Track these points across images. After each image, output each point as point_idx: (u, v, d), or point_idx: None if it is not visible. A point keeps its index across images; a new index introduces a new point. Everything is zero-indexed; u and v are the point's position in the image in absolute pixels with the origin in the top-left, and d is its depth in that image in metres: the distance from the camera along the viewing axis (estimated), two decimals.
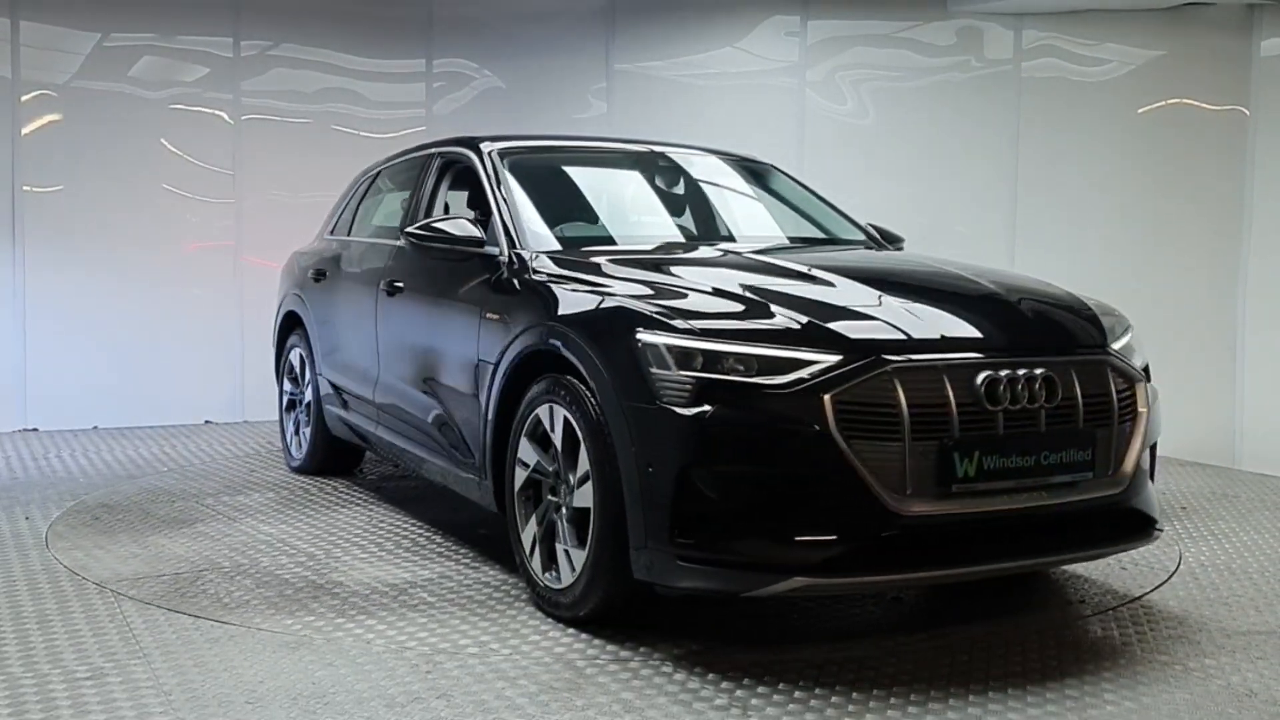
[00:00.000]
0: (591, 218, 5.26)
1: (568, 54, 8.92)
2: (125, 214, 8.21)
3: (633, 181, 5.58)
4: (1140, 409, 3.93)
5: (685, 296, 3.93)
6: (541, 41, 8.95)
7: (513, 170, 5.10)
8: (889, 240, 5.43)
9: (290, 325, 6.87)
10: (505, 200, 4.87)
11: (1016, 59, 7.89)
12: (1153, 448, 4.16)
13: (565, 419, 3.93)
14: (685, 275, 4.24)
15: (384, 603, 4.29)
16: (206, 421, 8.42)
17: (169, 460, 7.00)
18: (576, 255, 4.53)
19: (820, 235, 5.38)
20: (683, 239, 5.17)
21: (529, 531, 4.18)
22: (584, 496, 3.85)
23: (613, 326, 3.83)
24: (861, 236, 5.38)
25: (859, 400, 3.48)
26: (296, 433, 6.79)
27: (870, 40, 8.25)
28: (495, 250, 4.67)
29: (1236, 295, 7.28)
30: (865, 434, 3.47)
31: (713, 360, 3.57)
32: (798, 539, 3.47)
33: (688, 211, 5.44)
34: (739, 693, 3.45)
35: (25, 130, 7.96)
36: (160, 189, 8.31)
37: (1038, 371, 3.69)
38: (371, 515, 5.69)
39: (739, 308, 3.81)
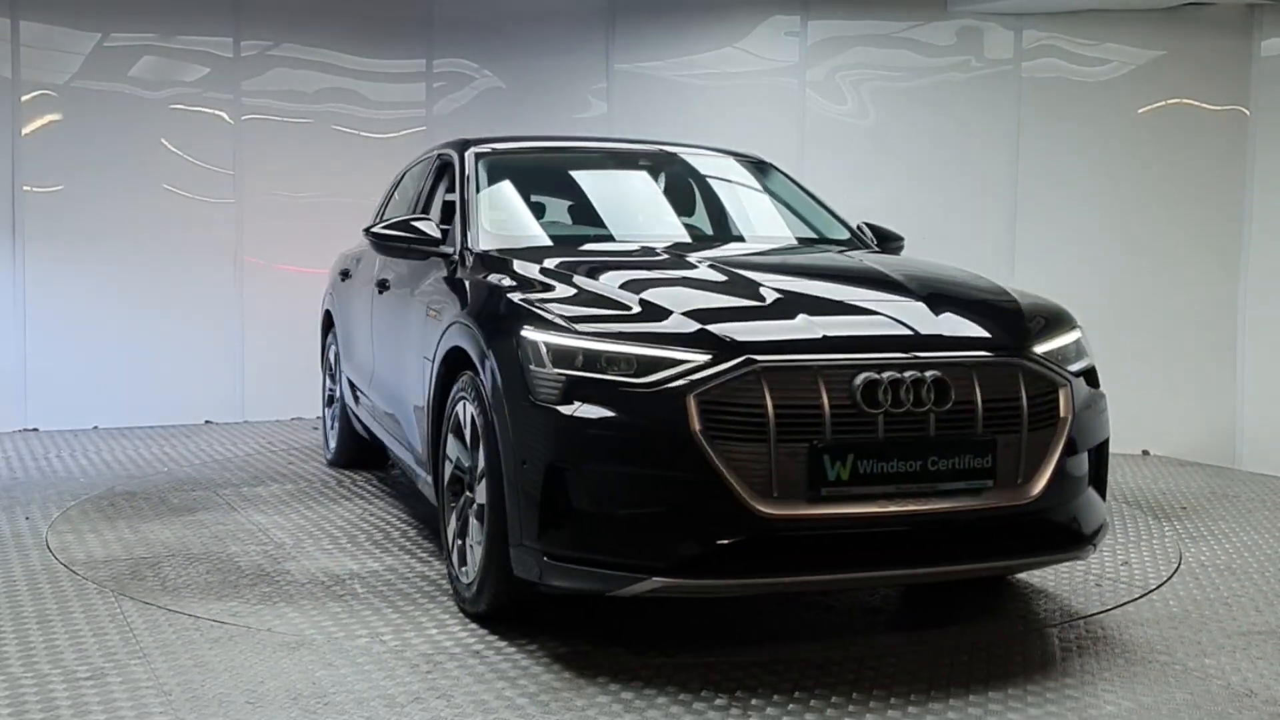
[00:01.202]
0: (557, 217, 5.30)
1: (568, 54, 8.92)
2: (125, 214, 8.20)
3: (611, 181, 5.60)
4: (1063, 414, 3.72)
5: (581, 295, 3.92)
6: (541, 41, 8.95)
7: (490, 171, 5.19)
8: (886, 239, 5.32)
9: (329, 323, 7.07)
10: (466, 200, 4.97)
11: (1016, 59, 7.89)
12: (1100, 455, 3.99)
13: (471, 415, 3.98)
14: (601, 274, 4.17)
15: (312, 591, 4.40)
16: (207, 421, 8.42)
17: (192, 457, 7.01)
18: (503, 254, 4.53)
19: (790, 234, 5.33)
20: (639, 238, 5.03)
21: (451, 527, 4.22)
22: (484, 493, 3.88)
23: (502, 324, 3.86)
24: (844, 235, 5.29)
25: (724, 401, 3.42)
26: (331, 427, 6.97)
27: (870, 40, 8.25)
28: (450, 249, 4.75)
29: (1237, 295, 7.28)
30: (731, 435, 3.40)
31: (585, 359, 3.57)
32: (657, 540, 3.46)
33: (660, 210, 5.43)
34: (739, 693, 3.45)
35: (25, 130, 7.96)
36: (160, 189, 8.31)
37: (928, 374, 3.53)
38: (366, 508, 5.75)
39: (630, 308, 3.77)
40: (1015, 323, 3.91)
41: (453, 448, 4.20)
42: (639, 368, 3.51)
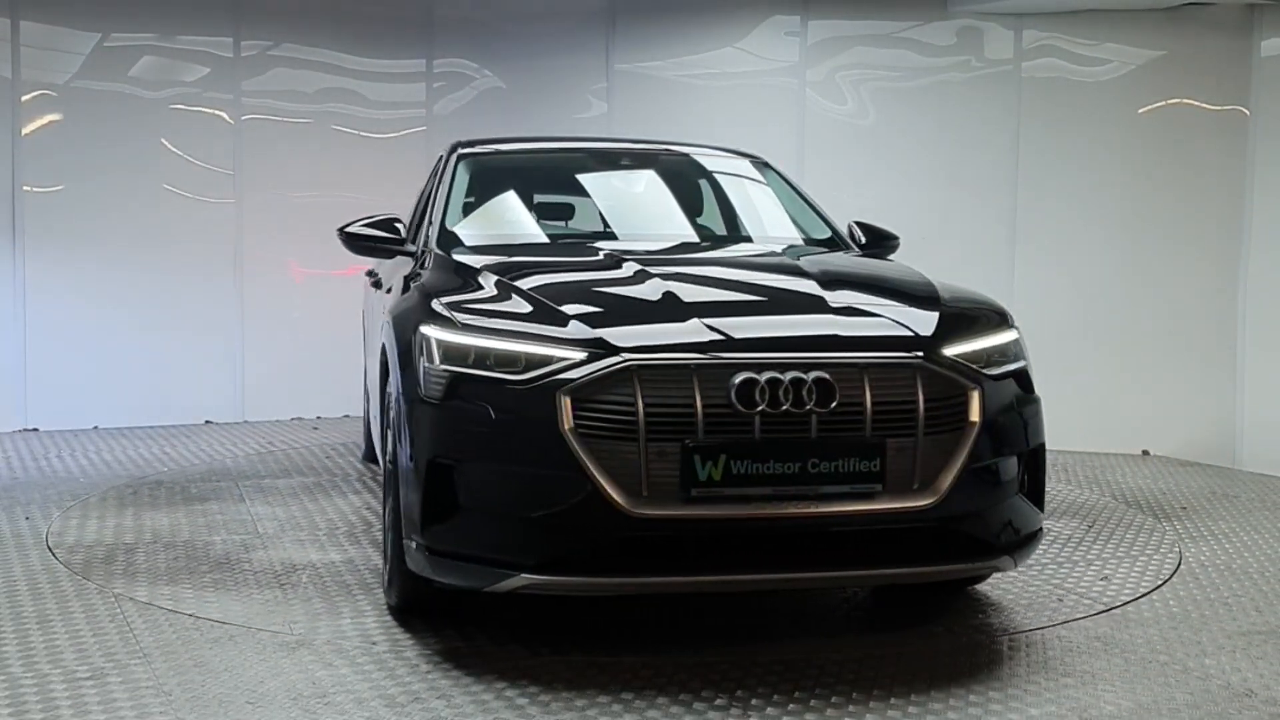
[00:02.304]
0: (529, 216, 5.31)
1: (568, 54, 8.92)
2: (125, 214, 8.21)
3: (590, 181, 5.61)
4: (972, 418, 3.60)
5: (492, 295, 3.93)
6: (541, 41, 8.95)
7: (469, 171, 5.28)
8: (882, 238, 5.24)
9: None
10: (435, 199, 5.07)
11: (1016, 59, 7.89)
12: (1033, 462, 3.89)
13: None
14: (527, 276, 4.14)
15: (258, 580, 4.53)
16: (207, 421, 8.42)
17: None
18: (457, 253, 4.57)
19: (761, 234, 5.30)
20: (599, 237, 5.06)
21: (386, 521, 4.25)
22: None
23: (410, 321, 3.90)
24: (827, 234, 5.23)
25: (596, 399, 3.42)
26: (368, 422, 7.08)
27: (870, 40, 8.25)
28: (414, 248, 4.84)
29: (1237, 295, 7.28)
30: (602, 434, 3.40)
31: (471, 356, 3.60)
32: (527, 537, 3.48)
33: (633, 210, 5.44)
34: (739, 692, 3.45)
35: (25, 130, 7.96)
36: (160, 189, 8.31)
37: (811, 375, 3.45)
38: (367, 502, 5.83)
39: (527, 309, 3.77)
40: (926, 324, 3.78)
41: (389, 443, 4.24)
42: (518, 366, 3.53)
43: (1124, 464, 7.29)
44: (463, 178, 5.24)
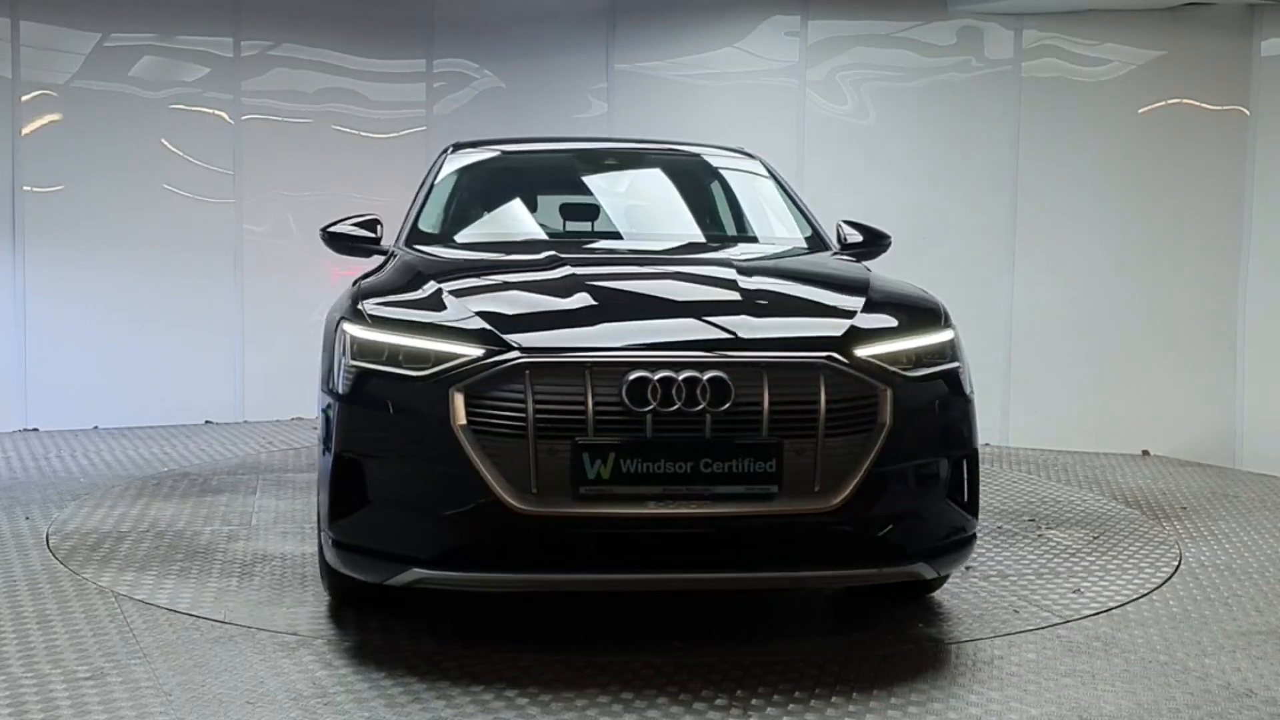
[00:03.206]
0: (506, 214, 5.37)
1: (568, 54, 8.92)
2: (125, 214, 8.20)
3: (573, 181, 5.64)
4: (882, 420, 3.54)
5: (416, 291, 3.95)
6: (541, 41, 8.95)
7: (455, 170, 5.38)
8: (871, 238, 5.17)
9: None
10: (416, 198, 5.19)
11: (1016, 59, 7.89)
12: (962, 466, 3.81)
13: None
14: (458, 274, 4.21)
15: (222, 569, 4.67)
16: (207, 421, 8.42)
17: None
18: (421, 251, 4.63)
19: (732, 234, 5.29)
20: (564, 238, 5.11)
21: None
22: None
23: (334, 318, 3.97)
24: (808, 232, 5.18)
25: (489, 396, 3.45)
26: None
27: (870, 40, 8.25)
28: (386, 247, 4.90)
29: (1237, 295, 7.28)
30: (493, 430, 3.43)
31: (375, 352, 3.66)
32: (420, 532, 3.53)
33: (611, 210, 5.44)
34: (740, 692, 3.45)
35: (25, 130, 7.96)
36: (160, 189, 8.31)
37: (707, 375, 3.42)
38: None
39: (443, 307, 3.79)
40: (839, 325, 3.72)
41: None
42: (417, 362, 3.57)
43: (1124, 464, 7.29)
44: (445, 177, 5.35)
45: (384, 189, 7.97)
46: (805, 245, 5.07)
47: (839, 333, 3.67)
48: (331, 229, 4.97)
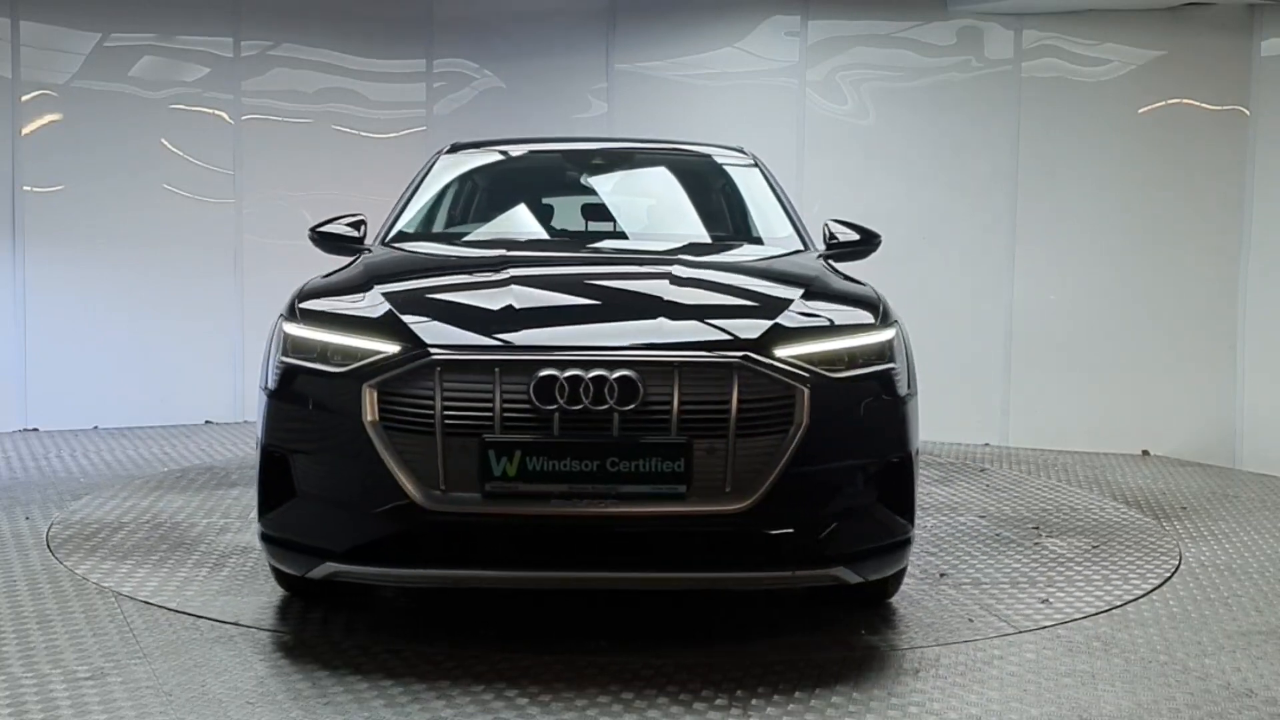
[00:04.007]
0: (480, 217, 5.41)
1: (568, 54, 8.92)
2: (125, 214, 8.20)
3: (559, 181, 5.70)
4: (799, 420, 3.49)
5: (355, 290, 3.99)
6: (541, 41, 8.94)
7: (446, 170, 5.47)
8: (863, 239, 5.09)
9: None
10: (401, 197, 5.28)
11: (1016, 59, 7.89)
12: (893, 470, 3.73)
13: None
14: (400, 275, 4.27)
15: (198, 560, 4.79)
16: (206, 421, 8.41)
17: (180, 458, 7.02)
18: (394, 251, 4.75)
19: (705, 233, 5.27)
20: (552, 235, 5.19)
21: None
22: None
23: (282, 314, 4.00)
24: (787, 233, 5.15)
25: (400, 393, 3.49)
26: None
27: (870, 40, 8.24)
28: (364, 246, 4.97)
29: (1237, 295, 7.27)
30: (403, 427, 3.47)
31: (302, 348, 3.72)
32: (333, 526, 3.58)
33: (589, 211, 5.47)
34: (739, 692, 3.45)
35: (25, 130, 7.96)
36: (160, 189, 8.31)
37: (616, 374, 3.42)
38: None
39: (368, 305, 3.83)
40: (760, 326, 3.68)
41: None
42: (336, 359, 3.62)
43: (1124, 464, 7.29)
44: (432, 177, 5.43)
45: (384, 189, 7.93)
46: (781, 245, 5.04)
47: (757, 333, 3.64)
48: (318, 229, 5.04)
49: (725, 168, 5.68)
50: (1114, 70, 7.70)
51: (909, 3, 8.08)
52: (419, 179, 5.44)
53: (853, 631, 4.06)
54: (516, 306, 3.77)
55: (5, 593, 4.34)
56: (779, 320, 3.73)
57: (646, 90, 8.73)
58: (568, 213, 5.45)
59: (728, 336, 3.65)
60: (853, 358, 3.70)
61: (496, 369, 3.47)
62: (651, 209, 5.56)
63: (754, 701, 3.39)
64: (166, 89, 8.35)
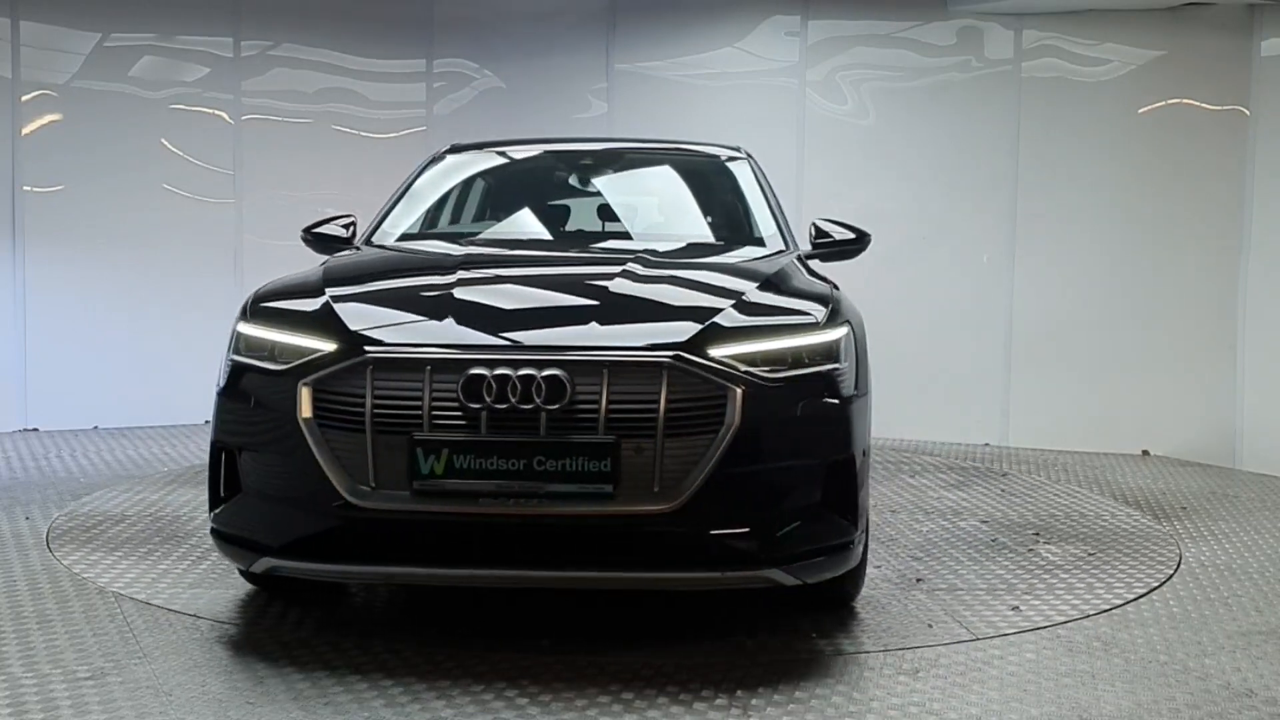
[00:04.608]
0: (461, 219, 5.46)
1: (568, 54, 8.91)
2: (125, 214, 8.20)
3: (546, 184, 5.71)
4: (730, 421, 3.46)
5: (308, 289, 4.03)
6: (541, 41, 8.94)
7: (439, 170, 5.54)
8: (850, 239, 5.06)
9: None
10: (391, 197, 5.36)
11: (1016, 59, 7.89)
12: (840, 470, 3.67)
13: None
14: (356, 275, 4.33)
15: (182, 553, 4.90)
16: (206, 421, 8.38)
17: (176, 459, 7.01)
18: (357, 250, 4.88)
19: (679, 233, 5.26)
20: (530, 236, 5.24)
21: None
22: None
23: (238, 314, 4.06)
24: (770, 234, 5.12)
25: (334, 391, 3.53)
26: None
27: (870, 40, 8.24)
28: (351, 247, 5.04)
29: (1237, 295, 7.27)
30: (336, 425, 3.51)
31: (250, 347, 3.81)
32: (270, 521, 3.65)
33: (569, 211, 5.49)
34: (739, 693, 3.45)
35: (25, 130, 7.95)
36: (160, 189, 8.30)
37: (545, 373, 3.43)
38: None
39: (315, 304, 3.87)
40: (694, 326, 3.64)
41: None
42: (279, 358, 3.69)
43: (1124, 464, 7.29)
44: (425, 177, 5.50)
45: (384, 189, 7.90)
46: (760, 244, 5.01)
47: (691, 333, 3.60)
48: (311, 230, 5.14)
49: (712, 167, 5.67)
50: (1114, 70, 7.70)
51: (909, 3, 8.07)
52: (410, 180, 5.51)
53: (852, 633, 4.06)
54: (455, 307, 3.80)
55: (5, 593, 4.34)
56: (716, 320, 3.70)
57: (646, 90, 8.73)
58: (550, 214, 5.48)
59: (661, 336, 3.61)
60: (796, 358, 3.66)
61: (427, 368, 3.49)
62: (631, 209, 5.56)
63: (754, 702, 3.39)
64: (166, 89, 8.35)
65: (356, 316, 3.73)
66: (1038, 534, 5.39)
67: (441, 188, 5.54)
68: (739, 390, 3.49)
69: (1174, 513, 5.98)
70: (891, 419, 8.12)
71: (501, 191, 5.68)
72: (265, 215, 8.56)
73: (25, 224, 7.96)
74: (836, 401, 3.70)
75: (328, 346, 3.60)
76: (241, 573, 4.27)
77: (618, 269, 4.17)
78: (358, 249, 4.92)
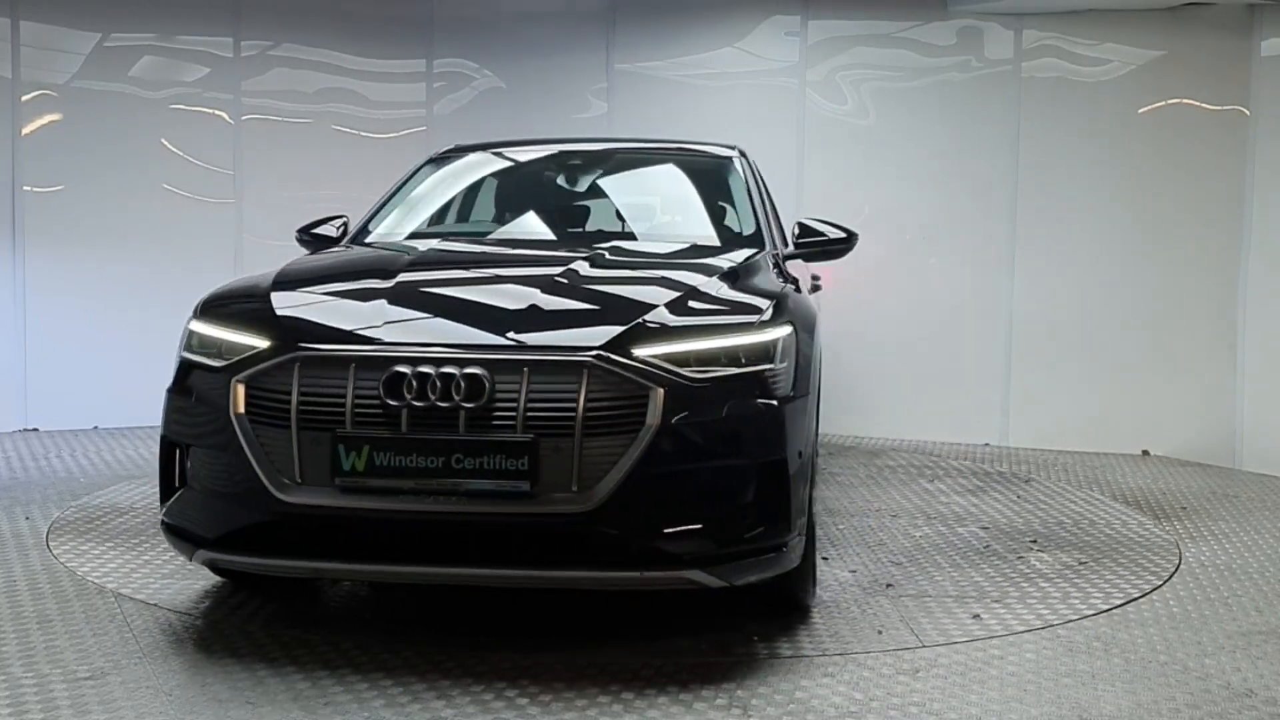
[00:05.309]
0: (449, 217, 5.51)
1: (568, 54, 8.91)
2: (125, 214, 8.19)
3: (532, 185, 5.74)
4: (650, 421, 3.43)
5: (259, 290, 4.07)
6: (541, 41, 8.94)
7: (435, 171, 5.60)
8: (833, 239, 5.01)
9: None
10: (384, 197, 5.43)
11: (1016, 59, 7.89)
12: (769, 472, 3.61)
13: None
14: (307, 275, 4.37)
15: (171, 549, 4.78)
16: None
17: None
18: (335, 250, 4.98)
19: (649, 232, 5.29)
20: (514, 236, 5.27)
21: None
22: None
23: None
24: (748, 233, 5.11)
25: (265, 388, 3.60)
26: None
27: (870, 40, 8.24)
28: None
29: (1237, 295, 7.27)
30: (266, 421, 3.58)
31: (197, 345, 3.89)
32: (207, 514, 3.74)
33: (550, 212, 5.49)
34: (739, 693, 3.46)
35: (25, 130, 7.95)
36: (160, 189, 8.30)
37: (465, 371, 3.45)
38: None
39: (258, 302, 3.94)
40: (623, 323, 3.64)
41: None
42: (219, 355, 3.77)
43: (1124, 464, 7.29)
44: (416, 178, 5.57)
45: (384, 189, 7.95)
46: (736, 243, 4.97)
47: (614, 333, 3.59)
48: (305, 230, 5.24)
49: (701, 166, 5.66)
50: (1114, 70, 7.70)
51: (909, 3, 8.07)
52: (403, 179, 5.58)
53: (851, 636, 4.06)
54: (387, 308, 3.85)
55: (5, 593, 4.34)
56: (643, 320, 3.68)
57: (646, 90, 8.72)
58: (528, 214, 5.50)
59: (584, 336, 3.60)
60: (731, 357, 3.64)
61: (352, 365, 3.55)
62: (610, 209, 5.54)
63: (754, 702, 3.39)
64: (166, 89, 8.35)
65: (292, 316, 3.83)
66: (1034, 541, 5.30)
67: (428, 189, 5.59)
68: (660, 391, 3.48)
69: (1174, 513, 5.98)
70: (892, 419, 8.14)
71: (485, 193, 5.71)
72: (265, 215, 8.55)
73: (25, 224, 7.96)
74: (769, 402, 3.65)
75: (262, 344, 3.68)
76: (220, 571, 4.30)
77: (559, 269, 4.19)
78: (344, 248, 4.99)
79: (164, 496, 3.91)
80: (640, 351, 3.54)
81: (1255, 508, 6.12)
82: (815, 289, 5.89)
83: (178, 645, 3.80)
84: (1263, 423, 7.15)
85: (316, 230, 5.24)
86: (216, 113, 8.46)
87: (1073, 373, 7.77)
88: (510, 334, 3.64)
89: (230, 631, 3.95)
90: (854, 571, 4.76)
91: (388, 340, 3.62)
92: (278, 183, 8.61)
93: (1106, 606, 4.37)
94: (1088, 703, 3.43)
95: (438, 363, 3.49)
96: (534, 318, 3.75)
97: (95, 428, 8.08)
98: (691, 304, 3.91)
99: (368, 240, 5.15)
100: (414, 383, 3.46)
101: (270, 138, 8.58)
